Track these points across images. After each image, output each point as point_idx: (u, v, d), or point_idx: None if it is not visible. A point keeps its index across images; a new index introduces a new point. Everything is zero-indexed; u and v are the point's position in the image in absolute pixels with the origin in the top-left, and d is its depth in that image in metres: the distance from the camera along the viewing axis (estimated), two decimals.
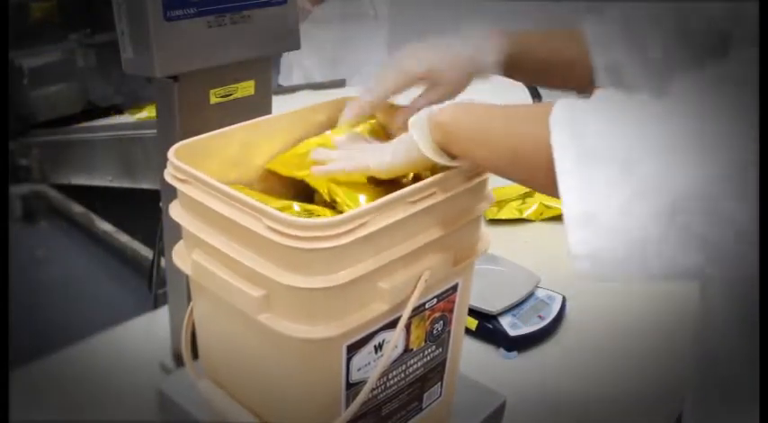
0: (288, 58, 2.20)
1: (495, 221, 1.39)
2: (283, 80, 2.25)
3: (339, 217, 0.59)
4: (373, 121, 0.84)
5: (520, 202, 1.43)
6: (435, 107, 0.66)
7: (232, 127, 0.75)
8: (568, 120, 0.51)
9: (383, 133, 0.83)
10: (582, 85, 0.81)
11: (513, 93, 1.76)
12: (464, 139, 0.63)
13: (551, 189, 0.52)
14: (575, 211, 0.50)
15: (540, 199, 1.43)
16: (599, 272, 0.51)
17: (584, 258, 0.51)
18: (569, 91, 0.83)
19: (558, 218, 1.42)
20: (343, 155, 0.75)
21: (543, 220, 1.42)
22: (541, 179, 0.54)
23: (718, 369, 0.78)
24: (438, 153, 0.65)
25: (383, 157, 0.70)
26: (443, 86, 0.78)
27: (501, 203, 1.42)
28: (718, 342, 0.78)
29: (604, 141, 0.49)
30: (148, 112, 2.10)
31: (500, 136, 0.60)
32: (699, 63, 0.73)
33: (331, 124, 0.84)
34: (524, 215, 1.41)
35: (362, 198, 0.72)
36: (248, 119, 0.77)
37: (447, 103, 0.66)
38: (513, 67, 0.79)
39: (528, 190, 1.46)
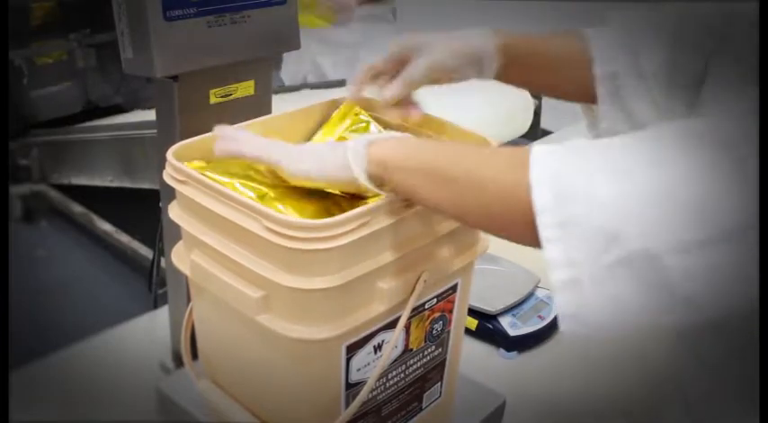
0: (296, 57, 2.18)
1: None
2: (290, 79, 2.23)
3: (339, 217, 0.58)
4: (362, 123, 0.83)
5: None
6: (378, 137, 0.62)
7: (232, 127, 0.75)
8: (551, 178, 0.49)
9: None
10: (577, 92, 0.79)
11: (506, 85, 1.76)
12: (410, 179, 0.58)
13: (528, 241, 0.51)
14: (560, 277, 0.49)
15: None
16: (583, 331, 0.51)
17: (570, 318, 0.51)
18: (561, 98, 0.82)
19: None
20: (253, 140, 0.67)
21: None
22: (518, 230, 0.53)
23: (716, 369, 0.79)
24: (371, 182, 0.61)
25: (299, 164, 0.63)
26: (429, 58, 0.72)
27: None
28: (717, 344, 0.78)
29: (588, 208, 0.48)
30: None
31: (464, 183, 0.55)
32: (692, 74, 0.72)
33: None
34: None
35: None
36: (248, 119, 0.77)
37: (387, 136, 0.64)
38: (509, 67, 0.76)
39: None
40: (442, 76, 0.74)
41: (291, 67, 2.22)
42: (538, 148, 0.51)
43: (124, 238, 2.05)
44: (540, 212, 0.49)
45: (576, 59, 0.77)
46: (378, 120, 0.84)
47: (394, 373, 0.73)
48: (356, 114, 0.84)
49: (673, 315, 0.48)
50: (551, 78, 0.80)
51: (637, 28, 0.75)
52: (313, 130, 0.83)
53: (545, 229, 0.49)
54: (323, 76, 2.24)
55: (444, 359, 0.79)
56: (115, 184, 2.05)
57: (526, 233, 0.50)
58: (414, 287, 0.66)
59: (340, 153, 0.61)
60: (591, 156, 0.50)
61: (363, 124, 0.84)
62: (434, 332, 0.75)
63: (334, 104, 0.84)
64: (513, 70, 0.77)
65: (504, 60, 0.75)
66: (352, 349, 0.66)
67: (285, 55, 2.16)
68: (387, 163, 0.59)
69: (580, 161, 0.50)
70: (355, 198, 0.68)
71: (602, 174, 0.48)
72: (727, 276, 0.46)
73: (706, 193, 0.45)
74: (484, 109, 1.68)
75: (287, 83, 2.22)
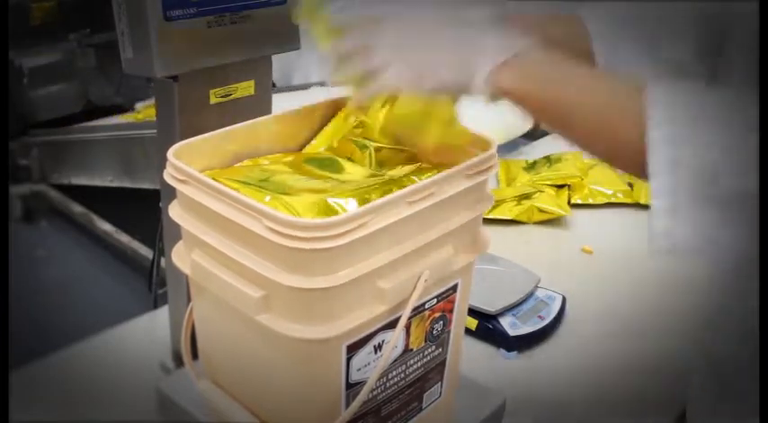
0: (288, 60, 2.17)
1: (493, 222, 1.39)
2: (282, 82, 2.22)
3: (339, 217, 0.59)
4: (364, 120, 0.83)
5: (515, 203, 1.43)
6: (498, 65, 0.61)
7: (232, 127, 0.75)
8: (666, 122, 0.55)
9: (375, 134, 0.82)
10: None
11: None
12: (535, 110, 0.63)
13: (633, 168, 0.58)
14: (661, 204, 0.55)
15: (533, 202, 1.42)
16: (671, 253, 0.57)
17: (663, 237, 0.57)
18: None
19: (551, 222, 1.42)
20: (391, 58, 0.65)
21: (536, 222, 1.42)
22: (624, 162, 0.60)
23: (718, 370, 0.79)
24: (490, 99, 0.64)
25: (422, 85, 0.64)
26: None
27: (496, 203, 1.41)
28: (720, 345, 0.78)
29: (697, 153, 0.54)
30: None
31: (586, 116, 0.60)
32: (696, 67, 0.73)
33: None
34: (514, 216, 1.40)
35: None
36: (248, 119, 0.77)
37: (511, 52, 0.62)
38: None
39: (524, 192, 1.45)
40: None
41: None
42: (657, 93, 0.56)
43: (124, 238, 2.05)
44: (652, 150, 0.55)
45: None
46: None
47: (394, 373, 0.73)
48: (357, 117, 0.84)
49: (754, 246, 0.55)
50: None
51: (639, 18, 0.75)
52: (315, 130, 0.83)
53: (655, 164, 0.55)
54: (308, 77, 2.20)
55: (444, 359, 0.79)
56: (115, 184, 2.05)
57: (632, 164, 0.57)
58: (414, 287, 0.66)
59: (464, 71, 0.62)
60: (698, 109, 0.56)
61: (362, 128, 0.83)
62: (435, 332, 0.75)
63: (337, 104, 0.84)
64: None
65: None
66: (353, 349, 0.66)
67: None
68: (509, 94, 0.62)
69: (691, 110, 0.55)
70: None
71: (706, 123, 0.55)
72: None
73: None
74: (484, 108, 1.67)
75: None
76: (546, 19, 0.76)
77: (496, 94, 0.63)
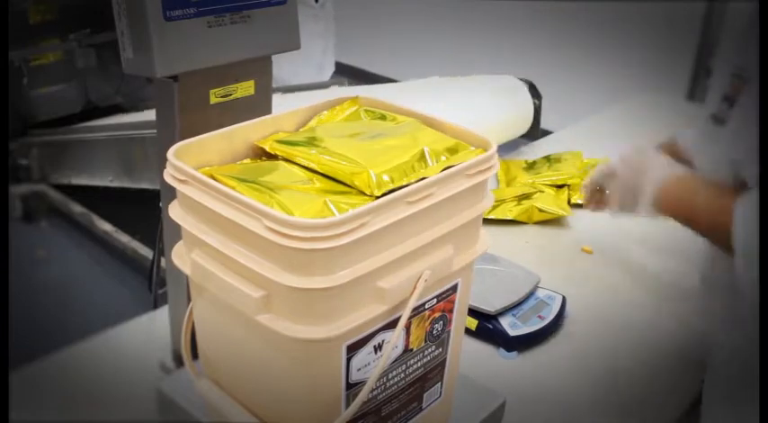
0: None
1: (493, 222, 1.39)
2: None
3: (339, 217, 0.59)
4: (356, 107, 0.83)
5: (515, 203, 1.43)
6: (659, 185, 0.88)
7: (232, 127, 0.75)
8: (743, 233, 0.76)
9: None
10: None
11: (506, 85, 1.76)
12: (675, 215, 0.88)
13: (724, 245, 0.78)
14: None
15: (533, 202, 1.42)
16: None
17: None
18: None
19: (551, 222, 1.42)
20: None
21: (536, 223, 1.41)
22: (723, 241, 0.78)
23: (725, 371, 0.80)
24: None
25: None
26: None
27: (496, 203, 1.41)
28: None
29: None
30: None
31: (703, 222, 0.85)
32: None
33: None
34: (514, 216, 1.40)
35: None
36: (248, 119, 0.77)
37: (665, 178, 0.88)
38: None
39: (524, 192, 1.46)
40: None
41: None
42: (738, 213, 0.76)
43: (124, 238, 2.05)
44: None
45: None
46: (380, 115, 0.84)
47: (394, 373, 0.73)
48: (366, 111, 0.83)
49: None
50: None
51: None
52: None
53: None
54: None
55: (444, 359, 0.79)
56: (115, 184, 2.05)
57: (725, 244, 0.78)
58: (414, 287, 0.66)
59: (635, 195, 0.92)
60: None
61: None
62: (434, 332, 0.75)
63: (336, 104, 0.84)
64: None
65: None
66: (353, 349, 0.66)
67: None
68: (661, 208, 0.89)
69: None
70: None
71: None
72: None
73: None
74: (484, 109, 1.68)
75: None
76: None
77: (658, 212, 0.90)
